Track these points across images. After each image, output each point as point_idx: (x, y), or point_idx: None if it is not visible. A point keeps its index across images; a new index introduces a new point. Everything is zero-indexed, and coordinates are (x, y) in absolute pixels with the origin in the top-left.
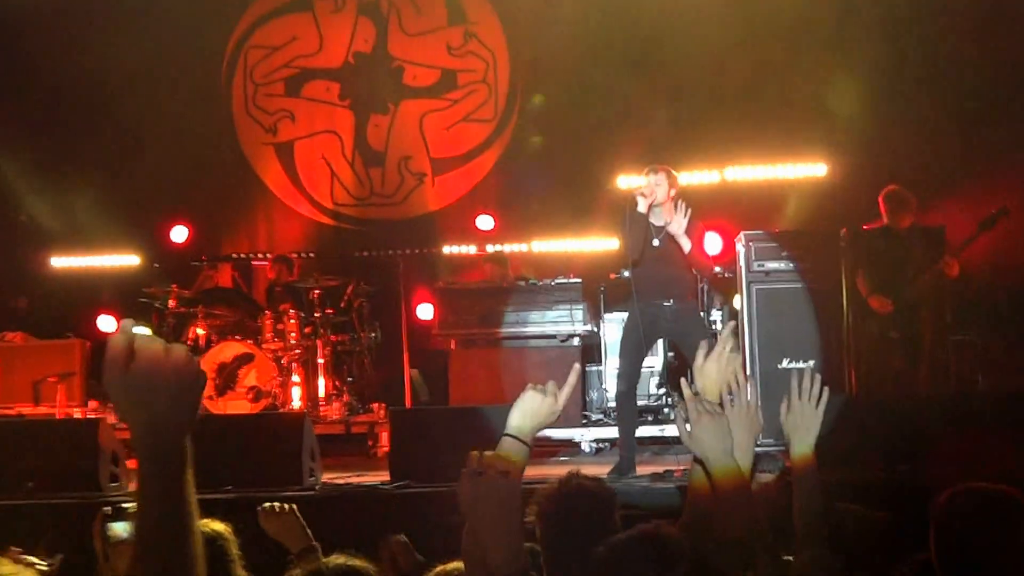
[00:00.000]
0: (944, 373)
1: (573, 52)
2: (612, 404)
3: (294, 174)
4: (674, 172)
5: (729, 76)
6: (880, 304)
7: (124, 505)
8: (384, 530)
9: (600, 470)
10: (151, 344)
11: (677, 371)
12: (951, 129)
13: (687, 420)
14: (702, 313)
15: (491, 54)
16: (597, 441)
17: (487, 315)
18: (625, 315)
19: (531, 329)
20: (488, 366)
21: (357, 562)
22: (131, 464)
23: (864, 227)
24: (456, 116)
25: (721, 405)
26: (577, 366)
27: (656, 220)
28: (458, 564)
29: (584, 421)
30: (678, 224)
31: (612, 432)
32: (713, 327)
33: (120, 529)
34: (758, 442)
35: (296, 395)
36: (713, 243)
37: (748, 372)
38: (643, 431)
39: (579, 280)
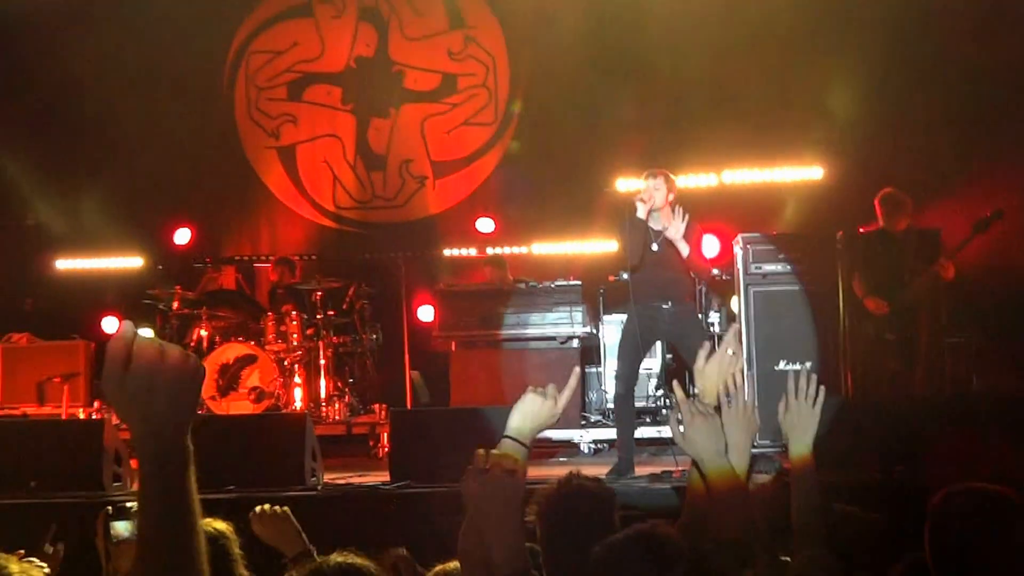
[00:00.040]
0: (939, 375)
1: (572, 56)
2: (611, 405)
3: (296, 177)
4: (672, 176)
5: (726, 81)
6: (876, 306)
7: (127, 504)
8: (385, 529)
9: (599, 471)
10: (148, 346)
11: (675, 373)
12: (946, 132)
13: (680, 421)
14: (700, 315)
15: (491, 58)
16: (596, 442)
17: (487, 317)
18: (624, 317)
19: (531, 331)
20: (488, 367)
21: (357, 560)
22: (134, 464)
23: (860, 230)
24: (456, 120)
25: (719, 407)
26: (577, 370)
27: (655, 224)
28: (458, 563)
29: (583, 422)
30: (675, 229)
31: (611, 433)
32: (711, 329)
33: (123, 528)
34: (755, 443)
35: (298, 396)
36: (711, 245)
37: (745, 373)
38: (641, 432)
39: (579, 282)
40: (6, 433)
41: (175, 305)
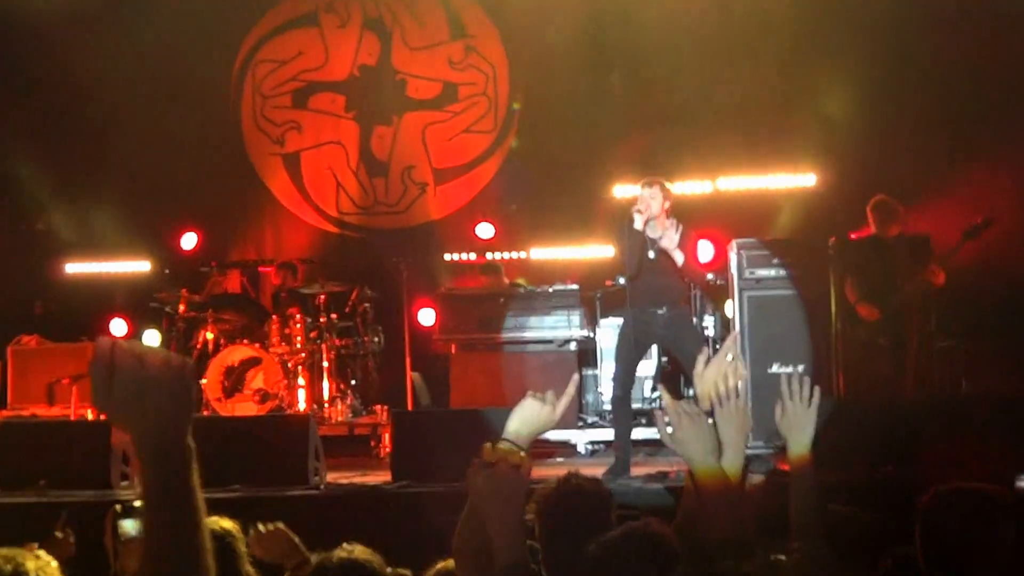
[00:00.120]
0: (929, 378)
1: (570, 65)
2: (608, 407)
3: (300, 183)
4: (668, 185)
5: (722, 89)
6: (868, 312)
7: (135, 503)
8: (386, 528)
9: (596, 471)
10: (129, 353)
11: (670, 376)
12: (937, 138)
13: (668, 423)
14: (694, 319)
15: (491, 67)
16: (593, 443)
17: (487, 320)
18: (620, 321)
19: (529, 334)
20: (488, 370)
21: (360, 555)
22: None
23: (852, 236)
24: (457, 128)
25: (712, 412)
26: (576, 376)
27: (652, 233)
28: None
29: (580, 423)
30: (670, 240)
31: (608, 434)
32: (705, 332)
33: (131, 527)
34: (747, 444)
35: (301, 397)
36: (705, 251)
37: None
38: (638, 433)
39: (576, 287)
40: (17, 433)
41: (181, 308)
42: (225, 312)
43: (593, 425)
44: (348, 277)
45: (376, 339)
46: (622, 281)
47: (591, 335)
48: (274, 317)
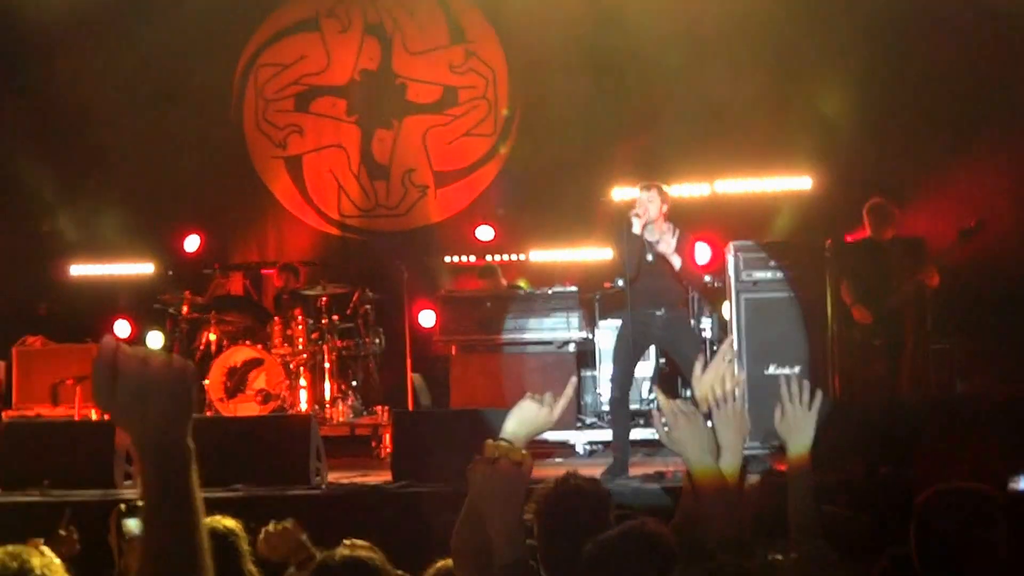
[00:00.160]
0: (924, 379)
1: (568, 69)
2: (606, 408)
3: (302, 186)
4: (666, 188)
5: (719, 93)
6: (861, 315)
7: (138, 502)
8: (386, 527)
9: (594, 471)
10: (132, 356)
11: (668, 377)
12: (932, 141)
13: (665, 423)
14: (692, 321)
15: (491, 71)
16: (591, 443)
17: (486, 322)
18: (618, 323)
19: (529, 335)
20: (487, 371)
21: (362, 552)
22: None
23: (847, 238)
24: (457, 131)
25: (709, 415)
26: (574, 379)
27: (650, 236)
28: None
29: (579, 424)
30: (667, 245)
31: (606, 435)
32: (702, 334)
33: (134, 525)
34: (745, 444)
35: (303, 398)
36: (703, 253)
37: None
38: (636, 434)
39: (575, 289)
40: (21, 433)
41: (185, 310)
42: (228, 314)
43: (592, 426)
44: (349, 279)
45: (377, 340)
46: (621, 283)
47: (590, 337)
48: (276, 319)
